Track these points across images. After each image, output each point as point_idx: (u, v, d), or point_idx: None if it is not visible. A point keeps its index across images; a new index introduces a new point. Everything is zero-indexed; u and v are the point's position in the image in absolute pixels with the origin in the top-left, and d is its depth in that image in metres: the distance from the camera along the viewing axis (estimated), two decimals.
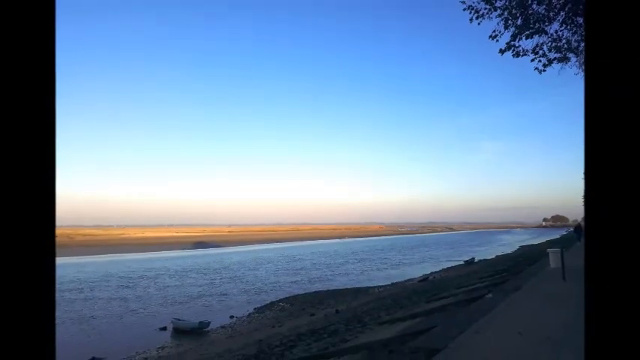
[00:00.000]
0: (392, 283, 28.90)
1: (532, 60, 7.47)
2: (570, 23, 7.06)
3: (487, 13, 7.25)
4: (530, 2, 7.00)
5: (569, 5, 6.82)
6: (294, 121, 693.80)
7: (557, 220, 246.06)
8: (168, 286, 29.75)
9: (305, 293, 26.08)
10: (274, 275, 35.35)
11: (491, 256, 46.04)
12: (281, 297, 25.04)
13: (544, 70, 7.53)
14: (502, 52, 7.34)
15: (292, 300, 24.00)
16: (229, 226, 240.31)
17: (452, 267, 37.71)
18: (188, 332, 17.77)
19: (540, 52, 7.40)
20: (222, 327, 18.70)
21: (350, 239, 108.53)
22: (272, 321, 18.61)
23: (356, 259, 49.58)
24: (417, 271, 35.83)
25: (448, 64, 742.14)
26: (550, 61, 7.46)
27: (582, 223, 33.24)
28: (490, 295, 9.80)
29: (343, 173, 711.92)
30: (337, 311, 17.79)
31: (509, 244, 72.72)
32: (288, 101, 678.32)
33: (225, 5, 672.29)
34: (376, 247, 73.55)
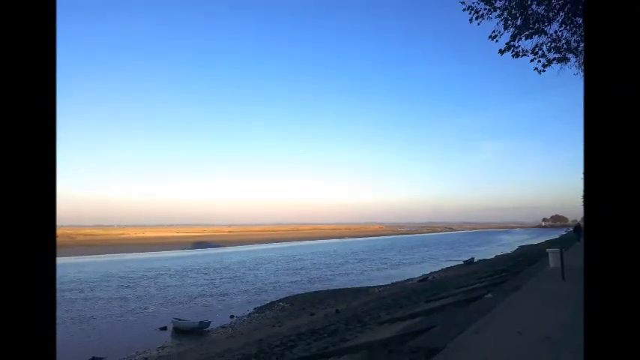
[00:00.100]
0: (392, 283, 28.91)
1: (532, 60, 7.48)
2: (570, 24, 7.07)
3: (487, 14, 7.25)
4: (529, 3, 7.00)
5: (568, 6, 6.82)
6: (294, 121, 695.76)
7: (557, 220, 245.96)
8: (168, 286, 29.74)
9: (305, 293, 26.08)
10: (274, 275, 35.35)
11: (490, 256, 46.04)
12: (281, 297, 25.05)
13: (543, 71, 7.54)
14: (502, 52, 7.34)
15: (292, 300, 24.00)
16: (229, 226, 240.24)
17: (451, 267, 37.71)
18: (188, 332, 17.77)
19: (540, 52, 7.40)
20: (223, 327, 18.70)
21: (350, 239, 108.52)
22: (272, 321, 18.62)
23: (356, 259, 49.58)
24: (416, 271, 35.84)
25: (448, 65, 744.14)
26: (549, 62, 7.46)
27: (582, 223, 33.26)
28: (489, 295, 9.80)
29: (343, 173, 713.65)
30: (337, 311, 17.80)
31: (508, 244, 72.73)
32: (288, 101, 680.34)
33: (225, 5, 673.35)
34: (376, 247, 73.55)
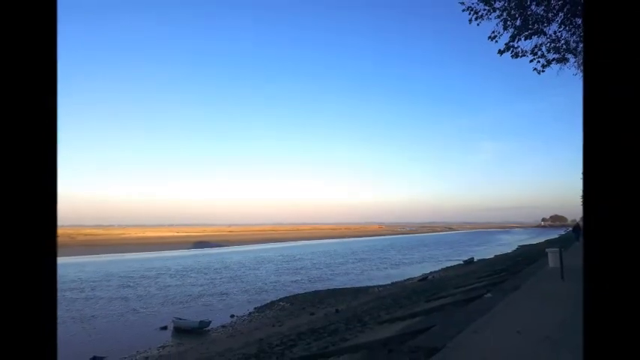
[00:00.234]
0: (391, 283, 28.92)
1: (531, 61, 7.48)
2: (569, 24, 7.06)
3: (486, 14, 7.25)
4: (529, 3, 7.00)
5: (567, 6, 6.82)
6: (294, 121, 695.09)
7: (556, 220, 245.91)
8: (169, 286, 29.74)
9: (305, 292, 26.08)
10: (274, 275, 35.34)
11: (490, 255, 46.04)
12: (281, 296, 25.04)
13: (543, 71, 7.53)
14: (501, 52, 7.34)
15: (292, 299, 24.00)
16: (229, 225, 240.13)
17: (451, 267, 37.71)
18: (189, 331, 17.77)
19: (539, 52, 7.40)
20: (223, 326, 18.70)
21: (350, 239, 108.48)
22: (272, 320, 18.62)
23: (356, 259, 49.56)
24: (416, 271, 35.85)
25: (448, 65, 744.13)
26: (549, 62, 7.46)
27: (581, 223, 33.22)
28: (489, 294, 9.81)
29: (343, 173, 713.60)
30: (337, 310, 17.80)
31: (508, 244, 72.72)
32: (288, 101, 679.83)
33: (225, 5, 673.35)
34: (376, 246, 73.52)
